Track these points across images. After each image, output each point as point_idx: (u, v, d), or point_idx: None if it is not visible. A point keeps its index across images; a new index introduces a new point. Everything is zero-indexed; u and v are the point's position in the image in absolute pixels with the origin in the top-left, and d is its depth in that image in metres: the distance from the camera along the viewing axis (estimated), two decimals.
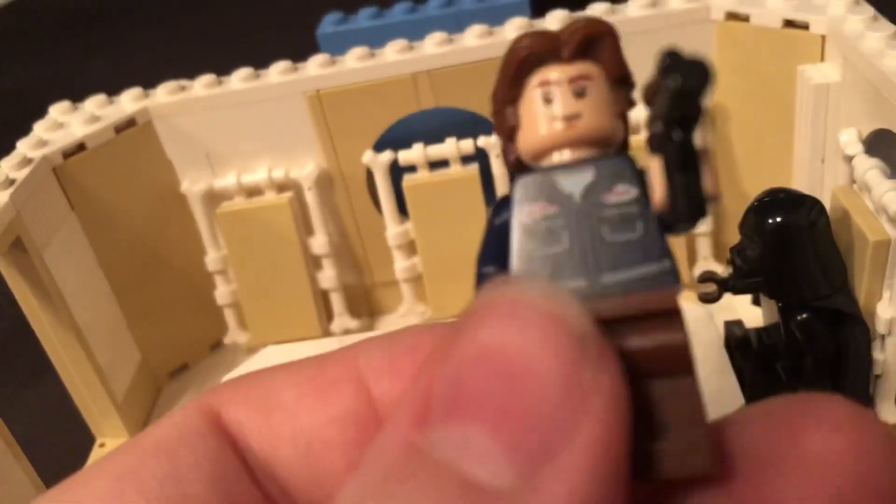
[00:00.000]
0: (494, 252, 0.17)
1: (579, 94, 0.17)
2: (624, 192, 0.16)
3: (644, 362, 0.15)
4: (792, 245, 0.36)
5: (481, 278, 0.18)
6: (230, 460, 0.17)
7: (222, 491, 0.16)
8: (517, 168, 0.18)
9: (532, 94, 0.17)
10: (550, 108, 0.17)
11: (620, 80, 0.18)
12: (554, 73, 0.17)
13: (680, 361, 0.15)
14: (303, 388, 0.18)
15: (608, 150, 0.17)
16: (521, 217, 0.17)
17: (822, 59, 0.42)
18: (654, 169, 0.16)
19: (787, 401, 0.15)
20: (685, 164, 0.16)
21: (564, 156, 0.17)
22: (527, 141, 0.18)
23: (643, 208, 0.16)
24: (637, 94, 0.17)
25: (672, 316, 0.16)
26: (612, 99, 0.17)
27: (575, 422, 0.13)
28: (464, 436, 0.13)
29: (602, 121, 0.17)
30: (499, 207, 0.18)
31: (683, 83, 0.15)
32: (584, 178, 0.17)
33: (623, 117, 0.18)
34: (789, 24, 0.42)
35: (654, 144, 0.16)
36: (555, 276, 0.16)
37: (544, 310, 0.14)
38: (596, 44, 0.17)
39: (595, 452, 0.13)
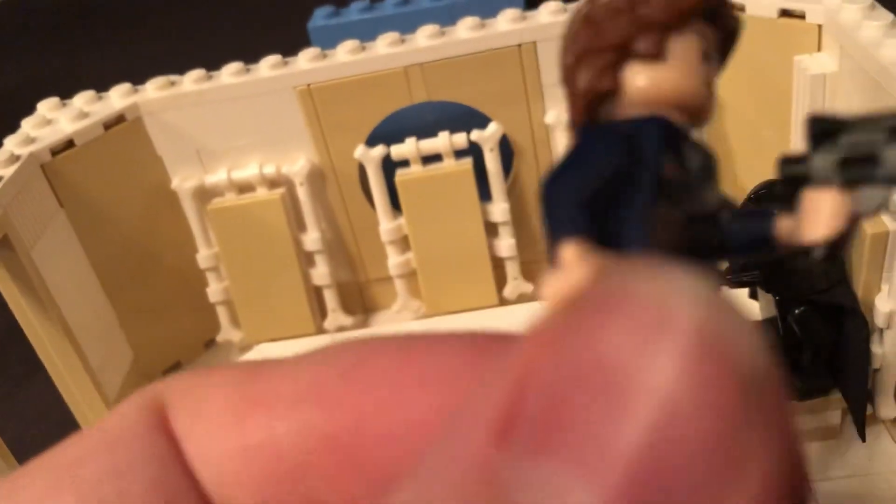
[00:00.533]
0: (596, 189, 0.14)
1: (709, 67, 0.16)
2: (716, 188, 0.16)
3: None
4: None
5: (565, 213, 0.13)
6: (173, 459, 0.15)
7: (163, 491, 0.15)
8: (593, 99, 0.16)
9: (697, 42, 0.16)
10: (706, 70, 0.16)
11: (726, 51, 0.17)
12: (710, 37, 0.16)
13: None
14: (224, 404, 0.15)
15: None
16: (661, 170, 0.14)
17: (818, 48, 0.41)
18: (833, 204, 0.15)
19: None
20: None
21: (684, 120, 0.16)
22: (669, 84, 0.15)
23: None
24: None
25: None
26: None
27: (721, 500, 0.09)
28: (555, 480, 0.09)
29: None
30: (611, 139, 0.15)
31: None
32: (698, 156, 0.16)
33: None
34: (785, 13, 0.42)
35: (856, 192, 0.15)
36: (688, 251, 0.14)
37: (708, 334, 0.09)
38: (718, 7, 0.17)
39: None
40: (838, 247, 0.15)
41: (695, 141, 0.16)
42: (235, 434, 0.15)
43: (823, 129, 0.16)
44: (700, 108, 0.16)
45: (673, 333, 0.09)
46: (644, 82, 0.15)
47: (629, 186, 0.14)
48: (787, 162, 0.16)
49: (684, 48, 0.16)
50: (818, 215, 0.15)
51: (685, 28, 0.16)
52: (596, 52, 0.16)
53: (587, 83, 0.16)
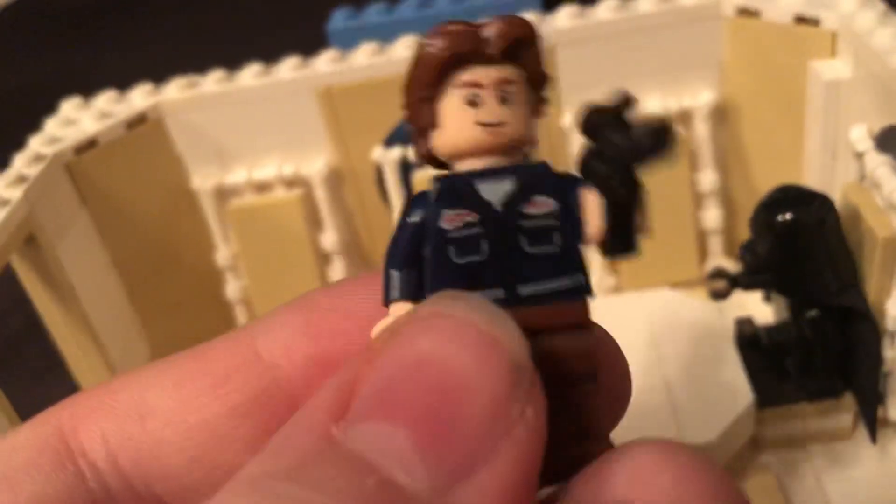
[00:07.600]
0: (406, 252, 0.17)
1: (504, 99, 0.17)
2: (543, 205, 0.16)
3: (554, 370, 0.15)
4: (801, 242, 0.36)
5: (389, 279, 0.17)
6: (79, 488, 0.16)
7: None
8: (429, 161, 0.18)
9: (455, 94, 0.17)
10: (475, 113, 0.17)
11: (539, 84, 0.17)
12: (480, 76, 0.17)
13: (586, 370, 0.16)
14: (186, 386, 0.17)
15: (523, 153, 0.17)
16: (441, 222, 0.16)
17: (833, 55, 0.41)
18: (592, 203, 0.16)
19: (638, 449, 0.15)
20: (628, 207, 0.16)
21: (484, 161, 0.17)
22: (446, 143, 0.17)
23: (561, 221, 0.16)
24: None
25: (583, 328, 0.16)
26: (530, 103, 0.17)
27: (497, 446, 0.13)
28: (385, 434, 0.13)
29: (524, 128, 0.17)
30: (414, 204, 0.17)
31: (648, 150, 0.16)
32: (504, 186, 0.17)
33: (536, 120, 0.18)
34: (800, 19, 0.42)
35: (594, 179, 0.16)
36: (473, 285, 0.16)
37: (488, 333, 0.14)
38: (521, 46, 0.17)
39: (510, 477, 0.13)
40: (610, 244, 0.16)
41: (502, 172, 0.17)
42: (216, 401, 0.18)
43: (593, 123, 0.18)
44: (487, 147, 0.17)
45: (467, 335, 0.14)
46: (435, 148, 0.18)
47: (425, 240, 0.17)
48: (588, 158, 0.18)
49: (446, 108, 0.17)
50: (591, 214, 0.17)
51: (445, 89, 0.17)
52: (411, 126, 0.18)
53: (416, 152, 0.18)
